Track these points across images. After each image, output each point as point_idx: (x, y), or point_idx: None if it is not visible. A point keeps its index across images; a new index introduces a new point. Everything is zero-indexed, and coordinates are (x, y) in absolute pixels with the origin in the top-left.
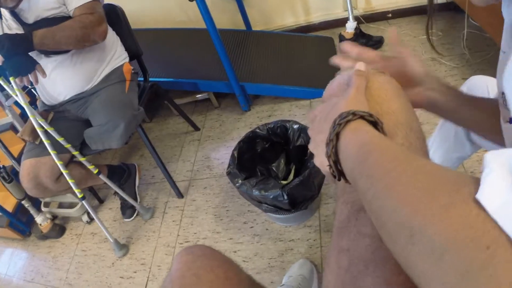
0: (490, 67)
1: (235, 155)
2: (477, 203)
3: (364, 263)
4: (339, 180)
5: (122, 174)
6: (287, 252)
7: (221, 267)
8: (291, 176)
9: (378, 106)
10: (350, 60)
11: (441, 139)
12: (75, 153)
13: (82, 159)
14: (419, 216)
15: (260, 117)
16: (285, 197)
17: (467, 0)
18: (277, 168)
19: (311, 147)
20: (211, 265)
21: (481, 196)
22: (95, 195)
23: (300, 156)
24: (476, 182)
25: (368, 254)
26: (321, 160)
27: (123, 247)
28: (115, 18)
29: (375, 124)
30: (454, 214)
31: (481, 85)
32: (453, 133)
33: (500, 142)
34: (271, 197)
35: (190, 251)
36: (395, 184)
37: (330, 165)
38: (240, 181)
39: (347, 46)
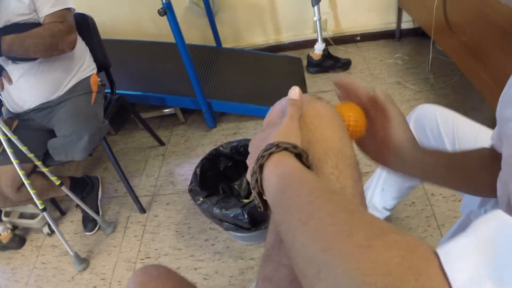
0: (454, 92)
1: (198, 172)
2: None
3: None
4: (264, 211)
5: (85, 186)
6: (248, 270)
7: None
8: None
9: (311, 134)
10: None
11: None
12: (38, 163)
13: (44, 170)
14: (330, 252)
15: (226, 134)
16: (246, 216)
17: (433, 26)
18: (239, 187)
19: (248, 176)
20: (164, 286)
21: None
22: (57, 207)
23: None
24: (401, 234)
25: (286, 284)
26: (250, 164)
27: (84, 261)
28: (86, 28)
29: (300, 156)
30: (373, 257)
31: (429, 115)
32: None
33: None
34: (232, 215)
35: (145, 271)
36: (309, 219)
37: (255, 196)
38: (201, 199)
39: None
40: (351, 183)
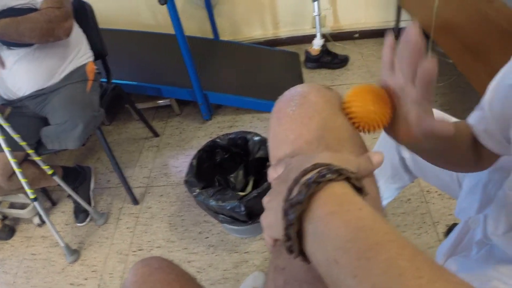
0: (451, 92)
1: (194, 163)
2: None
3: (299, 282)
4: (295, 257)
5: (77, 176)
6: (242, 264)
7: (178, 281)
8: (249, 188)
9: (323, 121)
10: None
11: (379, 171)
12: (30, 151)
13: (37, 158)
14: None
15: (221, 127)
16: (243, 208)
17: (432, 25)
18: (235, 179)
19: (265, 201)
20: (168, 279)
21: None
22: (48, 197)
23: (259, 168)
24: None
25: (301, 273)
26: (271, 221)
27: (74, 253)
28: (83, 15)
29: (360, 190)
30: None
31: None
32: (389, 165)
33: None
34: (229, 208)
35: (146, 263)
36: None
37: (287, 236)
38: (197, 190)
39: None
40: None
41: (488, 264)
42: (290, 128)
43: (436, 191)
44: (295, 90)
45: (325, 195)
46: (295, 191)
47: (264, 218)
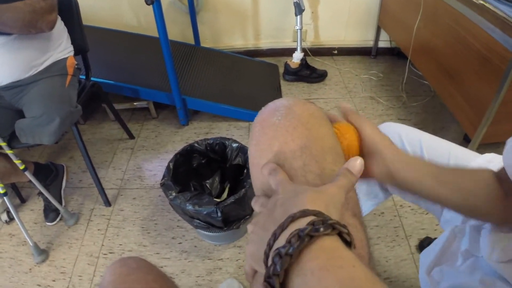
0: (424, 111)
1: (171, 166)
2: None
3: None
4: None
5: (49, 174)
6: (216, 271)
7: (156, 282)
8: (224, 195)
9: (308, 132)
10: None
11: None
12: (3, 144)
13: (9, 152)
14: None
15: (198, 133)
16: (219, 214)
17: (411, 46)
18: (211, 185)
19: (250, 229)
20: (146, 279)
21: None
22: (17, 194)
23: (235, 175)
24: None
25: None
26: (254, 253)
27: (43, 253)
28: (68, 8)
29: (349, 243)
30: None
31: (393, 134)
32: (365, 183)
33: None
34: (205, 213)
35: (124, 262)
36: None
37: (269, 284)
38: (173, 194)
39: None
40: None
41: (474, 276)
42: (275, 137)
43: (409, 206)
44: (280, 102)
45: (316, 248)
46: (281, 239)
47: (248, 249)
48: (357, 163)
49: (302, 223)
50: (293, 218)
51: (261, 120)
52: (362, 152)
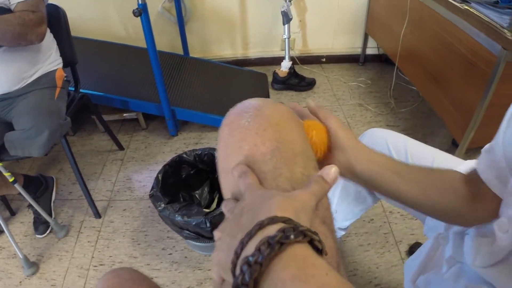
0: (413, 117)
1: (160, 178)
2: None
3: None
4: None
5: (39, 186)
6: (206, 281)
7: None
8: (213, 205)
9: (278, 134)
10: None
11: (343, 194)
12: None
13: None
14: None
15: (187, 143)
16: (208, 224)
17: (398, 53)
18: (200, 196)
19: (217, 236)
20: None
21: None
22: (7, 206)
23: None
24: None
25: None
26: (222, 261)
27: (33, 265)
28: (56, 20)
29: (320, 251)
30: None
31: (380, 140)
32: (353, 188)
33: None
34: (194, 223)
35: (117, 273)
36: None
37: None
38: (162, 205)
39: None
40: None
41: (459, 283)
42: (244, 139)
43: (399, 212)
44: (249, 103)
45: (286, 257)
46: (250, 247)
47: (215, 256)
48: (332, 171)
49: (271, 230)
50: (261, 226)
51: (229, 122)
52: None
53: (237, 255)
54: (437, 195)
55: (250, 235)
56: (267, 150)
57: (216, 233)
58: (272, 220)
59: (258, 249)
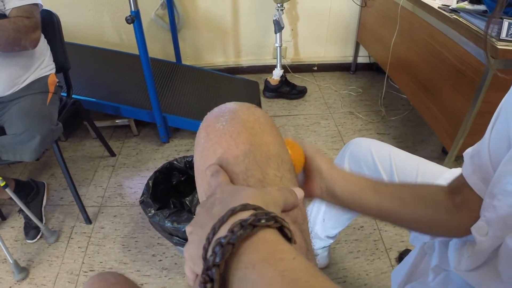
0: (403, 125)
1: (150, 184)
2: None
3: None
4: None
5: (30, 191)
6: None
7: None
8: None
9: (252, 138)
10: None
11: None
12: None
13: None
14: None
15: (178, 150)
16: None
17: (388, 62)
18: (190, 202)
19: (188, 230)
20: None
21: None
22: None
23: None
24: None
25: None
26: (193, 255)
27: (23, 270)
28: (50, 26)
29: (287, 237)
30: None
31: (364, 149)
32: None
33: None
34: (184, 230)
35: (103, 277)
36: None
37: (208, 277)
38: (152, 211)
39: None
40: (293, 185)
41: None
42: (219, 142)
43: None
44: (226, 107)
45: (256, 240)
46: (222, 231)
47: (186, 251)
48: (301, 192)
49: (243, 215)
50: (233, 211)
51: (206, 126)
52: (305, 170)
53: (209, 240)
54: (419, 208)
55: (222, 221)
56: (240, 152)
57: (188, 228)
58: (245, 207)
59: (231, 231)
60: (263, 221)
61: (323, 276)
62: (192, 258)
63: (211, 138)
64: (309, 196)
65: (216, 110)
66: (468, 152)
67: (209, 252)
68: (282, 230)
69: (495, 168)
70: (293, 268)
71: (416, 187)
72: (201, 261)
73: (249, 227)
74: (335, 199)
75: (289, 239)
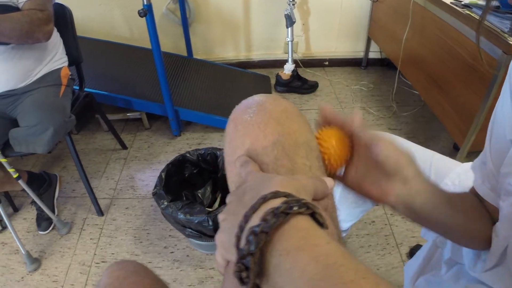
0: (415, 121)
1: (163, 176)
2: None
3: None
4: None
5: (42, 183)
6: (207, 280)
7: (153, 286)
8: (216, 204)
9: (280, 127)
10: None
11: (343, 195)
12: None
13: (2, 160)
14: None
15: (190, 143)
16: (211, 223)
17: (400, 57)
18: (202, 195)
19: (221, 217)
20: (143, 283)
21: None
22: (10, 202)
23: (227, 184)
24: None
25: None
26: (225, 242)
27: (35, 261)
28: (63, 19)
29: (319, 222)
30: None
31: None
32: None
33: (477, 247)
34: (196, 221)
35: (122, 266)
36: None
37: (244, 266)
38: (165, 203)
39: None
40: (322, 175)
41: (459, 284)
42: (247, 134)
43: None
44: (253, 99)
45: (290, 228)
46: (254, 219)
47: (218, 238)
48: (330, 181)
49: (274, 203)
50: (264, 199)
51: (234, 118)
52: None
53: (241, 228)
54: (473, 220)
55: (254, 209)
56: (268, 143)
57: (221, 215)
58: (275, 195)
59: (263, 219)
60: (295, 208)
61: (357, 259)
62: (224, 245)
63: (239, 129)
64: (378, 201)
65: (243, 102)
66: (475, 165)
67: (243, 241)
68: (314, 216)
69: (498, 170)
70: (327, 253)
71: (464, 197)
72: (233, 248)
73: (282, 215)
74: (409, 209)
75: (321, 224)
